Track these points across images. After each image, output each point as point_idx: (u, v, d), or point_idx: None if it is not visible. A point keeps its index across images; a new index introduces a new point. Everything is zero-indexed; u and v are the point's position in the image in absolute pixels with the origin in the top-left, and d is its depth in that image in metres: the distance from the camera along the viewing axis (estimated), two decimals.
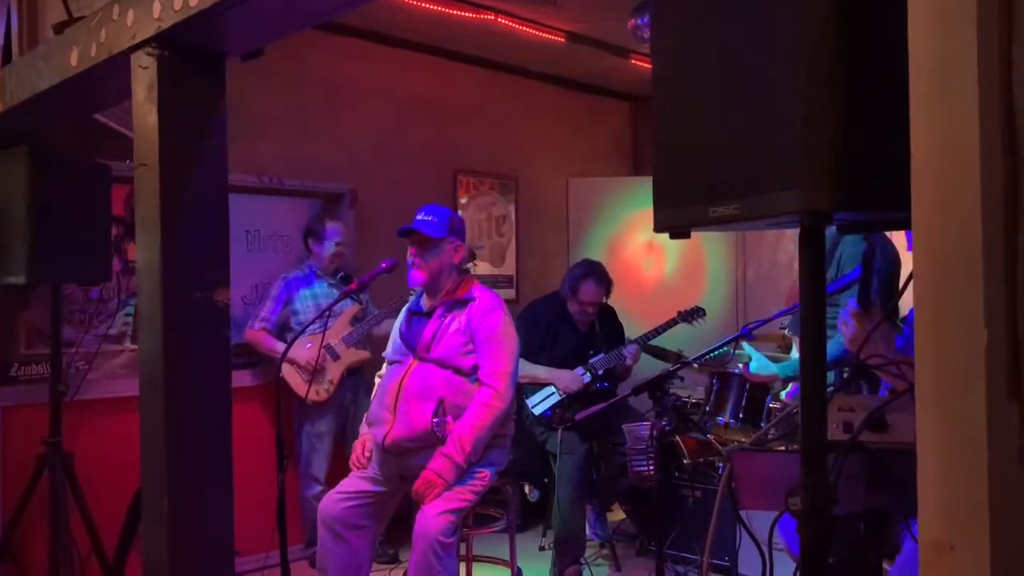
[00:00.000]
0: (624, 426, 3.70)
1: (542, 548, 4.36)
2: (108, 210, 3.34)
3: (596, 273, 4.09)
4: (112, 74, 2.36)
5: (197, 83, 2.17)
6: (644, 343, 4.07)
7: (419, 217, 3.03)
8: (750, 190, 1.18)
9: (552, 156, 5.80)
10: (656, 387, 2.24)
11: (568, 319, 4.12)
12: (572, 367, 4.00)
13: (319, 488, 3.98)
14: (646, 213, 4.65)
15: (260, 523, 3.52)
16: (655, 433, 2.30)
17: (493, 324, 2.98)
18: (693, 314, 4.18)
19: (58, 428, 3.28)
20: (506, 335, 3.01)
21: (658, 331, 4.10)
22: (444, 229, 3.01)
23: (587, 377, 3.98)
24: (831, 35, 1.09)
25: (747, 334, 2.40)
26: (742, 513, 1.62)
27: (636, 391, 2.26)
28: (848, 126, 1.09)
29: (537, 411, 3.94)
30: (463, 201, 5.26)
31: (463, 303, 3.02)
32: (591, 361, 4.02)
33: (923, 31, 0.99)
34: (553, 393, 3.96)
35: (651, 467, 3.51)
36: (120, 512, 3.38)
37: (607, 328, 4.21)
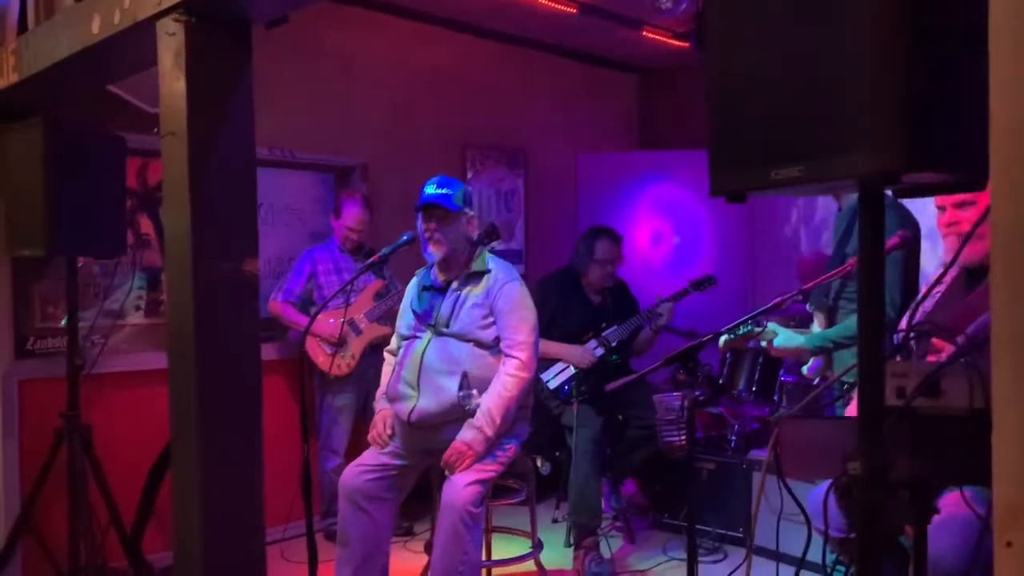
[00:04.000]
0: (655, 396, 3.70)
1: (555, 520, 4.39)
2: (123, 182, 3.31)
3: (606, 231, 4.14)
4: (135, 42, 2.33)
5: (224, 50, 2.14)
6: (671, 302, 4.04)
7: (433, 189, 2.98)
8: (814, 151, 1.16)
9: (561, 130, 5.76)
10: (688, 357, 2.24)
11: (580, 292, 4.11)
12: (585, 341, 3.99)
13: (338, 461, 4.00)
14: (655, 188, 4.65)
15: (279, 495, 3.53)
16: (687, 403, 2.29)
17: (512, 295, 2.97)
18: (704, 283, 4.17)
19: (76, 401, 3.27)
20: (525, 305, 3.00)
21: (674, 298, 4.09)
22: (461, 201, 2.99)
23: (600, 351, 3.97)
24: None
25: (778, 304, 2.39)
26: (785, 483, 1.61)
27: (668, 361, 2.26)
28: (918, 83, 1.07)
29: (552, 385, 3.94)
30: (470, 175, 5.23)
31: (479, 275, 3.00)
32: (604, 334, 4.02)
33: None
34: (567, 367, 3.95)
35: (683, 437, 3.52)
36: (137, 484, 3.39)
37: (620, 301, 4.20)
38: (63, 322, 3.47)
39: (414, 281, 3.20)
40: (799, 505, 1.62)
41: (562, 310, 4.05)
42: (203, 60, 2.10)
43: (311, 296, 4.07)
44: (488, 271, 3.01)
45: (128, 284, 3.73)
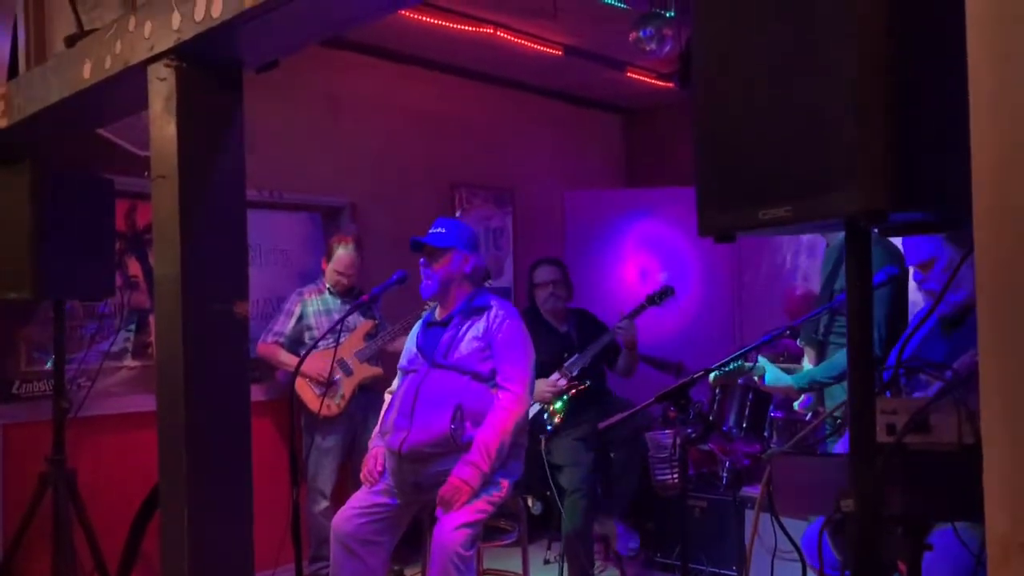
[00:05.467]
0: (647, 435, 3.70)
1: (547, 561, 4.34)
2: (112, 224, 3.31)
3: (544, 260, 4.38)
4: (126, 86, 2.35)
5: (215, 94, 2.16)
6: (630, 318, 4.07)
7: (431, 230, 3.08)
8: (801, 191, 1.18)
9: (548, 169, 5.82)
10: (680, 395, 2.24)
11: (543, 325, 4.15)
12: (551, 373, 4.01)
13: (325, 503, 3.95)
14: (641, 225, 4.68)
15: (267, 538, 3.47)
16: (679, 441, 2.29)
17: (511, 331, 3.02)
18: (661, 295, 4.20)
19: (61, 446, 3.24)
20: (523, 341, 3.05)
21: (632, 314, 4.11)
22: (452, 239, 3.04)
23: (562, 381, 3.99)
24: (884, 31, 1.09)
25: (769, 340, 2.41)
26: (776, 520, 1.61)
27: (660, 398, 2.27)
28: (904, 123, 1.10)
29: None
30: (459, 214, 5.25)
31: (479, 311, 3.05)
32: (565, 365, 4.04)
33: (980, 29, 1.00)
34: (531, 403, 3.96)
35: (675, 476, 3.51)
36: (122, 529, 3.34)
37: (584, 329, 4.24)
38: (48, 365, 3.44)
39: (420, 320, 3.26)
40: (793, 543, 1.62)
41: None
42: (194, 104, 2.11)
43: (301, 337, 4.05)
44: (489, 307, 3.06)
45: (116, 327, 3.70)
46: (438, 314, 3.14)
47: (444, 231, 3.06)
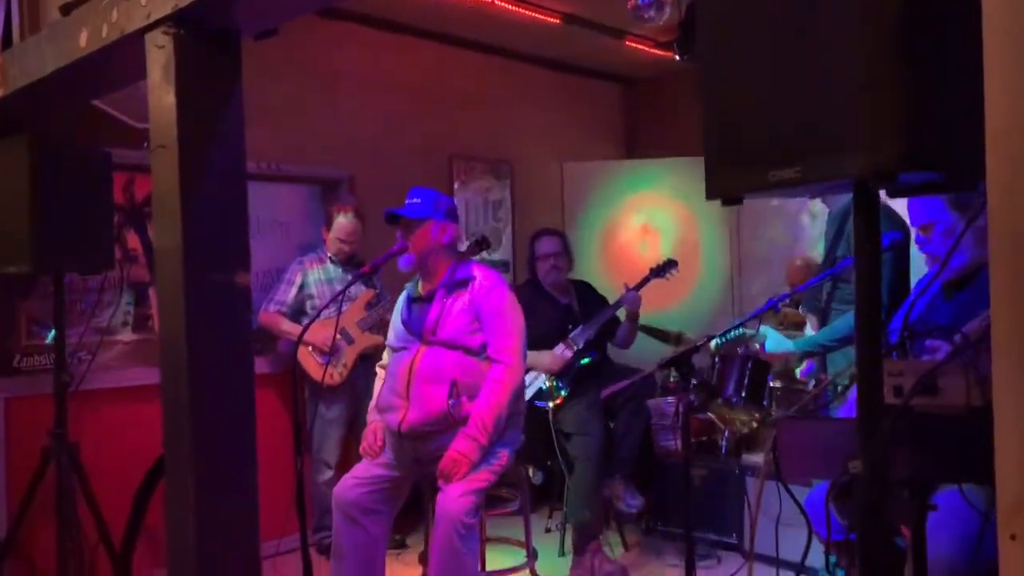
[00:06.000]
0: (649, 402, 3.71)
1: (548, 530, 4.38)
2: (110, 197, 3.29)
3: (544, 231, 4.35)
4: (123, 55, 2.32)
5: (214, 62, 2.14)
6: (635, 291, 4.10)
7: (407, 201, 3.03)
8: (810, 153, 1.17)
9: (546, 140, 5.78)
10: (683, 362, 2.24)
11: (544, 296, 4.16)
12: (553, 345, 4.01)
13: (329, 473, 3.98)
14: (640, 196, 4.69)
15: (270, 509, 3.48)
16: (682, 408, 2.30)
17: (498, 300, 2.98)
18: (665, 267, 4.21)
19: (63, 419, 3.24)
20: (511, 309, 3.01)
21: (637, 286, 4.14)
22: (427, 210, 2.99)
23: (568, 353, 3.99)
24: None
25: (774, 306, 2.41)
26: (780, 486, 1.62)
27: (663, 366, 2.27)
28: (914, 83, 1.09)
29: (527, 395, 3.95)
30: (457, 186, 5.23)
31: (463, 283, 3.01)
32: (570, 336, 4.04)
33: None
34: (537, 377, 3.96)
35: (678, 442, 3.52)
36: (126, 501, 3.35)
37: (586, 301, 4.25)
38: (49, 339, 3.44)
39: (403, 294, 3.20)
40: (799, 506, 1.62)
41: (530, 317, 4.07)
42: (193, 72, 2.09)
43: (302, 306, 4.06)
44: (473, 278, 3.02)
45: (116, 300, 3.69)
46: (421, 288, 3.10)
47: (419, 201, 3.00)
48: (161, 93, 2.11)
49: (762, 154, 1.24)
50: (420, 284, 3.12)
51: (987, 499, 1.73)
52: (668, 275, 4.21)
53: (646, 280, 4.18)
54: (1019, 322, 0.99)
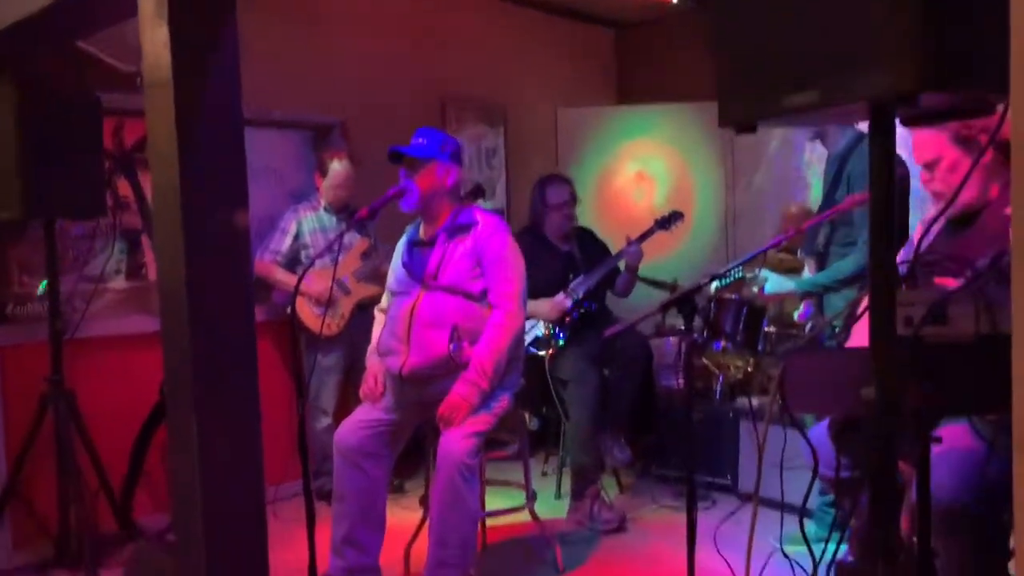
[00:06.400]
0: (652, 342, 3.72)
1: (544, 474, 4.43)
2: (99, 142, 3.24)
3: (553, 177, 4.22)
4: None
5: None
6: (638, 242, 4.06)
7: (413, 140, 3.00)
8: (827, 76, 1.15)
9: (540, 85, 5.72)
10: (685, 303, 2.24)
11: (546, 245, 4.12)
12: (556, 293, 3.99)
13: (327, 420, 4.00)
14: (635, 143, 4.66)
15: (269, 456, 3.49)
16: (685, 347, 2.30)
17: (499, 246, 2.96)
18: (670, 219, 4.16)
19: (59, 366, 3.23)
20: (513, 255, 3.00)
21: (641, 238, 4.09)
22: (434, 150, 2.96)
23: (568, 302, 3.98)
24: None
25: (775, 246, 2.40)
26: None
27: (665, 306, 2.27)
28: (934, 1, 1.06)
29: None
30: (449, 132, 5.17)
31: (465, 228, 2.98)
32: (571, 286, 4.02)
33: None
34: (535, 325, 3.96)
35: (680, 381, 3.54)
36: (124, 448, 3.36)
37: (587, 250, 4.21)
38: (40, 290, 3.41)
39: (403, 238, 3.17)
40: (804, 437, 1.63)
41: (531, 266, 4.05)
42: (186, 6, 2.03)
43: (297, 255, 4.03)
44: (476, 223, 2.99)
45: (108, 248, 3.65)
46: (423, 232, 3.08)
47: (425, 141, 2.97)
48: (154, 28, 2.04)
49: (776, 79, 1.21)
50: (422, 227, 3.09)
51: (992, 429, 1.74)
52: (672, 227, 4.16)
53: (650, 232, 4.12)
54: None
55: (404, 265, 3.06)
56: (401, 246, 3.16)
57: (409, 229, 3.18)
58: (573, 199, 4.16)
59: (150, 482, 3.54)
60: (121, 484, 3.40)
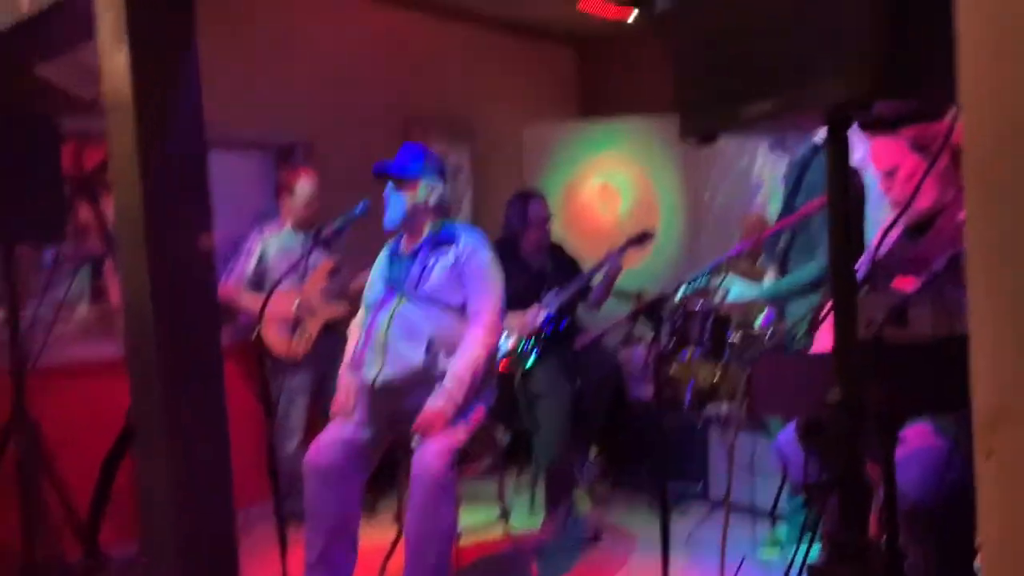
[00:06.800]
0: (622, 351, 3.74)
1: (517, 489, 4.41)
2: (58, 165, 3.19)
3: (533, 194, 4.25)
4: (68, 15, 2.25)
5: (167, 17, 2.07)
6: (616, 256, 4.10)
7: (399, 156, 3.03)
8: (784, 85, 1.18)
9: (503, 103, 5.75)
10: (654, 310, 2.27)
11: (519, 260, 4.13)
12: (526, 308, 4.01)
13: (297, 442, 3.95)
14: (599, 157, 4.73)
15: (239, 479, 3.47)
16: (654, 355, 2.33)
17: (481, 260, 3.00)
18: (641, 238, 4.21)
19: (21, 396, 3.17)
20: (493, 271, 3.04)
21: (620, 250, 4.14)
22: (420, 167, 2.99)
23: (540, 318, 3.99)
24: None
25: (737, 255, 2.44)
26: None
27: (634, 315, 2.29)
28: (887, 9, 1.09)
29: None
30: None
31: (448, 242, 3.01)
32: (543, 300, 4.04)
33: None
34: (507, 338, 3.96)
35: (649, 390, 3.55)
36: (89, 477, 3.30)
37: (559, 265, 4.24)
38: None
39: (384, 251, 3.20)
40: (770, 437, 1.65)
41: (504, 280, 4.07)
42: (145, 28, 2.02)
43: (263, 276, 3.99)
44: (458, 237, 3.04)
45: (70, 273, 3.60)
46: (404, 245, 3.11)
47: (411, 158, 3.01)
48: (113, 52, 2.04)
49: (733, 90, 1.24)
50: (404, 241, 3.11)
51: (955, 427, 1.78)
52: (644, 244, 4.21)
53: (622, 250, 4.17)
54: (992, 232, 1.01)
55: (383, 277, 3.08)
56: (381, 259, 3.18)
57: (390, 243, 3.20)
58: (550, 216, 4.19)
59: (117, 511, 3.47)
60: (88, 513, 3.34)
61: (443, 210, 3.09)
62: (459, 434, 2.81)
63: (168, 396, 2.04)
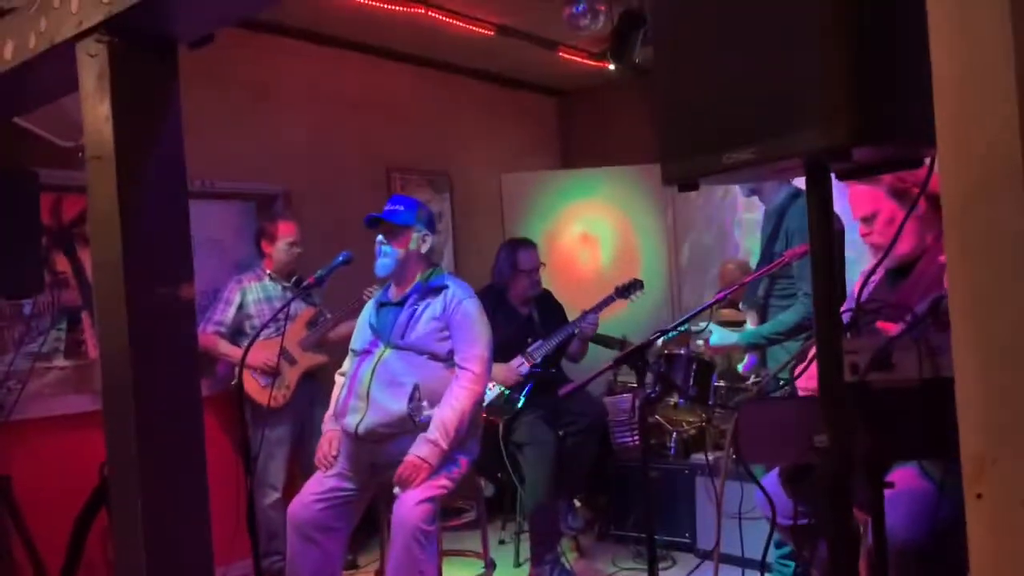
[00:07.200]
0: (606, 399, 3.72)
1: (502, 542, 4.35)
2: (37, 218, 3.17)
3: (524, 242, 4.26)
4: (52, 67, 2.24)
5: (149, 70, 2.08)
6: (595, 312, 4.09)
7: (388, 207, 3.05)
8: (764, 134, 1.19)
9: (483, 152, 5.81)
10: (638, 357, 2.26)
11: (507, 307, 4.13)
12: (513, 356, 3.99)
13: (275, 496, 3.88)
14: (579, 205, 4.80)
15: (217, 535, 3.39)
16: (638, 403, 2.31)
17: (468, 311, 3.01)
18: (630, 288, 4.21)
19: None
20: (481, 322, 3.05)
21: (599, 307, 4.12)
22: (412, 218, 3.02)
23: (525, 368, 3.98)
24: None
25: (717, 302, 2.45)
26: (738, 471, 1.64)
27: (617, 363, 2.28)
28: (864, 59, 1.11)
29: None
30: None
31: (436, 291, 3.03)
32: (529, 350, 4.03)
33: None
34: (493, 387, 3.94)
35: (635, 438, 3.53)
36: (62, 534, 3.22)
37: (546, 313, 4.24)
38: None
39: (371, 300, 3.22)
40: (759, 487, 1.64)
41: (491, 327, 4.06)
42: (128, 81, 2.03)
43: (242, 326, 3.95)
44: (446, 287, 3.04)
45: (46, 326, 3.55)
46: (393, 294, 3.11)
47: (403, 208, 3.04)
48: (95, 103, 2.04)
49: (716, 137, 1.25)
50: (392, 289, 3.12)
51: (940, 470, 1.78)
52: (633, 296, 4.21)
53: (610, 299, 4.16)
54: (975, 283, 1.01)
55: (371, 325, 3.06)
56: (369, 307, 3.19)
57: (378, 292, 3.21)
58: (540, 264, 4.21)
59: (89, 568, 3.38)
60: (60, 571, 3.24)
61: (433, 259, 3.11)
62: (442, 485, 2.77)
63: (145, 451, 2.00)
